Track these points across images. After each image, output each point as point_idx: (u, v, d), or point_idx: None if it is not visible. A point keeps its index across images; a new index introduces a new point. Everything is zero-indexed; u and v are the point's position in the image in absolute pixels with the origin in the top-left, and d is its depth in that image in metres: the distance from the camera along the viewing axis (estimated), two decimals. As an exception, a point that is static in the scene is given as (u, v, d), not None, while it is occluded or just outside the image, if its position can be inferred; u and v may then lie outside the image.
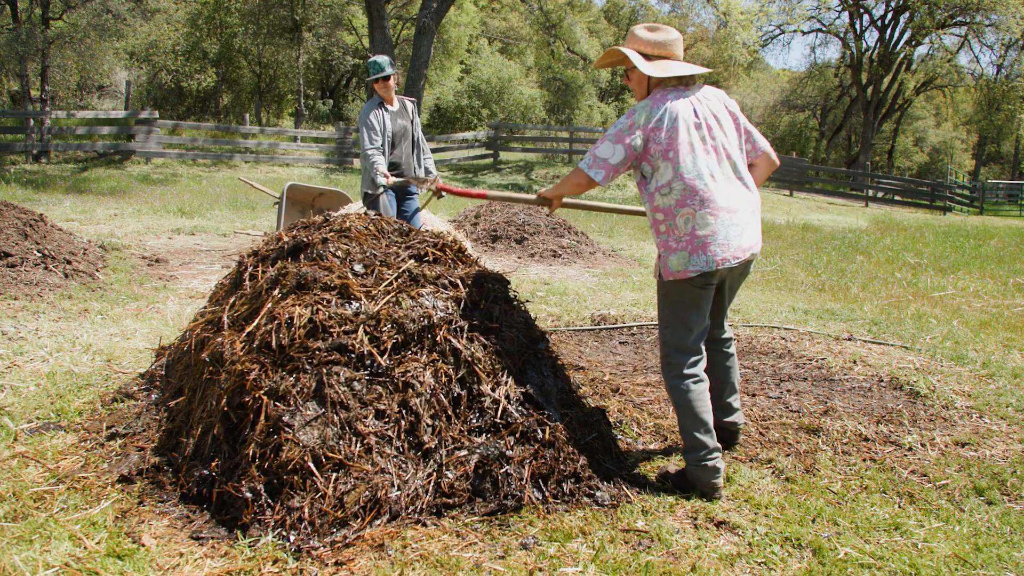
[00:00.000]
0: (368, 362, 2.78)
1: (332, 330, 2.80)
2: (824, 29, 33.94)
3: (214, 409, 2.80)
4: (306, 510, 2.48)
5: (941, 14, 29.38)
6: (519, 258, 9.02)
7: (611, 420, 3.54)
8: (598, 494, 2.83)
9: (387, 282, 2.99)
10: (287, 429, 2.58)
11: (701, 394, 2.93)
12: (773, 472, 3.22)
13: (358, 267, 3.05)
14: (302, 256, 3.16)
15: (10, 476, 2.81)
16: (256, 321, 2.89)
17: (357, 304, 2.89)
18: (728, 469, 3.16)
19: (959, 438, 3.67)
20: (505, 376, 2.91)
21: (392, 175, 5.84)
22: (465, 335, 2.94)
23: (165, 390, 3.45)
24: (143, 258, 7.63)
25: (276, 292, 2.97)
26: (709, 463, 2.88)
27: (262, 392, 2.67)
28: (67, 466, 2.92)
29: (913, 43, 31.77)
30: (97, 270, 6.55)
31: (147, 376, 3.67)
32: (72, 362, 4.11)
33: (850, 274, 9.07)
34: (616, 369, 4.67)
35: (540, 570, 2.38)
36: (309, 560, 2.36)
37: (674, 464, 3.22)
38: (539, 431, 2.84)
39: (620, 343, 5.34)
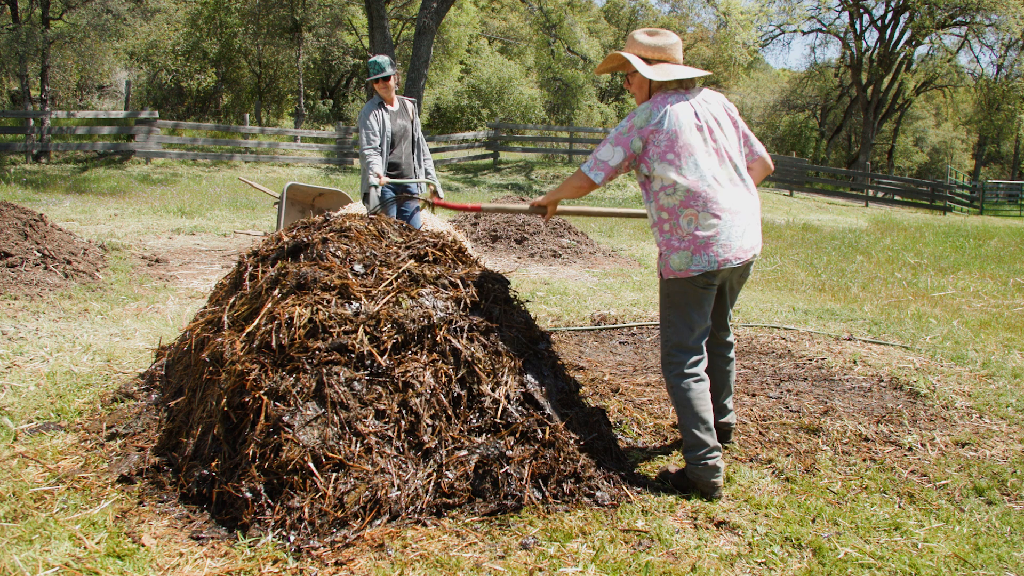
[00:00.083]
0: (368, 362, 2.78)
1: (332, 330, 2.80)
2: (824, 29, 33.94)
3: (214, 409, 2.80)
4: (306, 510, 2.48)
5: (941, 14, 29.38)
6: (519, 258, 9.02)
7: (611, 420, 3.54)
8: (598, 494, 2.83)
9: (387, 282, 2.99)
10: (287, 429, 2.58)
11: (702, 393, 2.94)
12: (773, 472, 3.22)
13: (358, 267, 3.05)
14: (302, 256, 3.16)
15: (10, 476, 2.81)
16: (256, 321, 2.89)
17: (357, 304, 2.89)
18: (728, 469, 3.16)
19: (959, 438, 3.67)
20: (505, 376, 2.91)
21: (392, 175, 5.84)
22: (465, 335, 2.94)
23: (165, 390, 3.45)
24: (143, 258, 7.63)
25: (276, 292, 2.97)
26: (709, 462, 2.89)
27: (262, 392, 2.67)
28: (67, 466, 2.92)
29: (913, 43, 31.78)
30: (97, 270, 6.55)
31: (147, 376, 3.67)
32: (72, 362, 4.11)
33: (850, 274, 9.07)
34: (616, 369, 4.67)
35: (540, 570, 2.38)
36: (309, 560, 2.36)
37: (674, 464, 3.22)
38: (539, 431, 2.84)
39: (620, 343, 5.34)
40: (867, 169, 29.54)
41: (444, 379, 2.82)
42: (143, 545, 2.41)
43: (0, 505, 2.60)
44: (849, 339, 5.55)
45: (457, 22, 29.06)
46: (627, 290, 7.26)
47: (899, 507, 2.95)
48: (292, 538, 2.43)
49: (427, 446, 2.70)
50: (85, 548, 2.37)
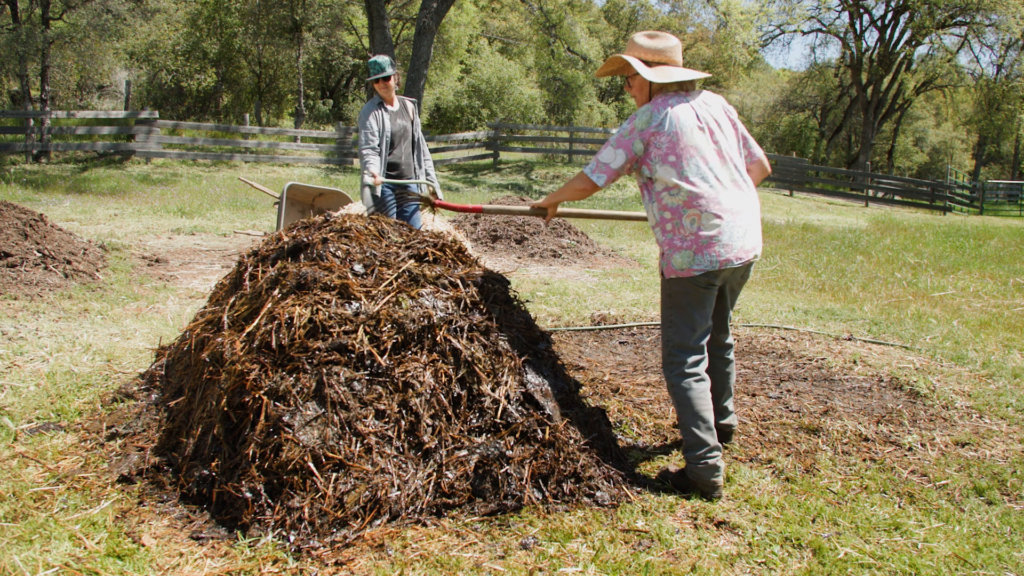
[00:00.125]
0: (368, 362, 2.78)
1: (332, 330, 2.80)
2: (824, 29, 33.94)
3: (214, 409, 2.80)
4: (306, 510, 2.48)
5: (941, 14, 29.37)
6: (519, 258, 9.02)
7: (611, 420, 3.54)
8: (598, 494, 2.83)
9: (387, 282, 2.99)
10: (287, 429, 2.58)
11: (702, 393, 2.95)
12: (773, 472, 3.22)
13: (358, 267, 3.05)
14: (302, 256, 3.16)
15: (10, 476, 2.81)
16: (256, 321, 2.89)
17: (357, 304, 2.89)
18: (728, 469, 3.16)
19: (959, 438, 3.67)
20: (505, 376, 2.91)
21: (391, 175, 5.84)
22: (465, 335, 2.94)
23: (165, 390, 3.45)
24: (143, 258, 7.63)
25: (276, 292, 2.97)
26: (710, 461, 2.89)
27: (262, 392, 2.67)
28: (67, 466, 2.92)
29: (913, 43, 31.77)
30: (97, 270, 6.55)
31: (147, 376, 3.67)
32: (72, 362, 4.11)
33: (850, 274, 9.07)
34: (616, 369, 4.67)
35: (540, 570, 2.38)
36: (309, 560, 2.36)
37: (674, 464, 3.22)
38: (539, 431, 2.84)
39: (620, 343, 5.34)
40: (867, 169, 29.54)
41: (444, 379, 2.82)
42: (143, 545, 2.41)
43: (0, 505, 2.60)
44: (849, 339, 5.55)
45: (457, 22, 29.06)
46: (627, 290, 7.26)
47: (899, 507, 2.95)
48: (292, 538, 2.43)
49: (427, 446, 2.70)
50: (85, 548, 2.37)
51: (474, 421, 2.81)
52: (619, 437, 3.42)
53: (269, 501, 2.52)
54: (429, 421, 2.75)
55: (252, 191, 12.94)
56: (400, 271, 3.05)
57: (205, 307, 3.60)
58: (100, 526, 2.50)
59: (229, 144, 19.39)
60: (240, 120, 22.17)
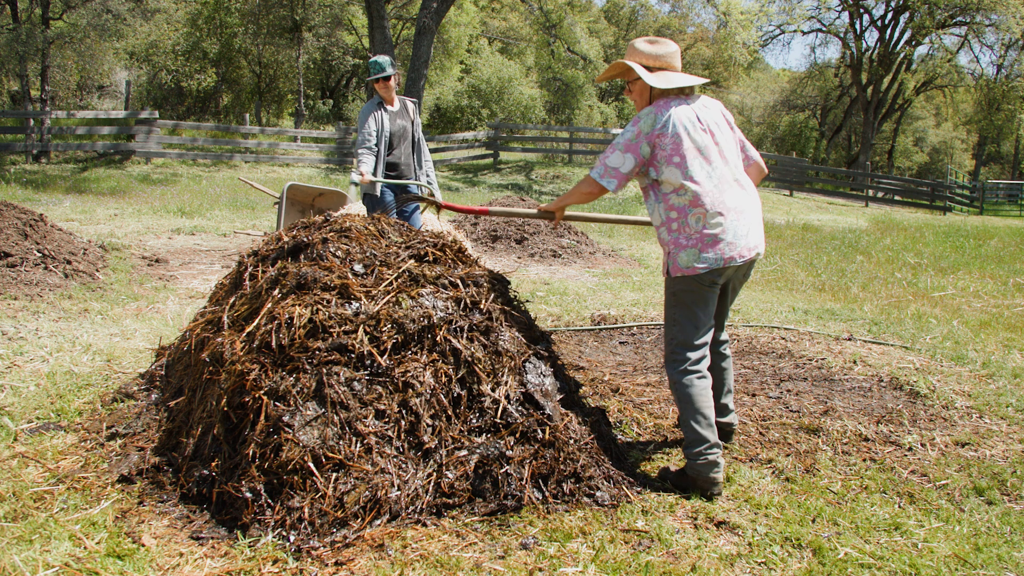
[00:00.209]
0: (368, 362, 2.78)
1: (332, 330, 2.80)
2: (824, 29, 33.94)
3: (214, 409, 2.80)
4: (306, 510, 2.48)
5: (941, 14, 29.37)
6: (519, 258, 9.02)
7: (611, 420, 3.54)
8: (598, 494, 2.83)
9: (387, 282, 2.99)
10: (287, 429, 2.58)
11: (704, 390, 2.99)
12: (773, 472, 3.22)
13: (358, 267, 3.05)
14: (302, 256, 3.16)
15: (10, 476, 2.81)
16: (256, 321, 2.89)
17: (357, 304, 2.89)
18: (728, 469, 3.16)
19: (959, 438, 3.67)
20: (505, 376, 2.91)
21: (391, 176, 5.84)
22: (465, 335, 2.94)
23: (165, 390, 3.45)
24: (143, 258, 7.63)
25: (276, 292, 2.97)
26: (710, 456, 2.92)
27: (262, 392, 2.67)
28: (67, 466, 2.92)
29: (913, 43, 31.77)
30: (97, 270, 6.55)
31: (147, 376, 3.67)
32: (72, 362, 4.11)
33: (850, 274, 9.07)
34: (616, 369, 4.67)
35: (540, 570, 2.38)
36: (309, 560, 2.36)
37: (674, 463, 3.22)
38: (539, 431, 2.84)
39: (620, 343, 5.34)
40: (867, 169, 29.54)
41: (444, 379, 2.82)
42: (143, 545, 2.41)
43: (0, 505, 2.60)
44: (849, 339, 5.55)
45: (457, 22, 29.05)
46: (627, 290, 7.26)
47: (899, 507, 2.95)
48: (292, 538, 2.43)
49: (427, 446, 2.70)
50: (85, 548, 2.37)
51: (474, 421, 2.81)
52: (619, 437, 3.42)
53: (269, 501, 2.52)
54: (429, 421, 2.75)
55: (252, 191, 12.94)
56: (400, 271, 3.05)
57: (205, 307, 3.60)
58: (100, 526, 2.50)
59: (229, 144, 19.39)
60: (240, 120, 22.16)
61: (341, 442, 2.61)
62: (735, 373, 4.57)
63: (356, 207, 6.49)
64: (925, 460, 3.42)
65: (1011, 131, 37.82)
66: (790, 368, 4.79)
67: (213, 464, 2.68)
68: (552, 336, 3.66)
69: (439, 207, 3.62)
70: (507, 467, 2.74)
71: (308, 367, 2.72)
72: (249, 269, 3.30)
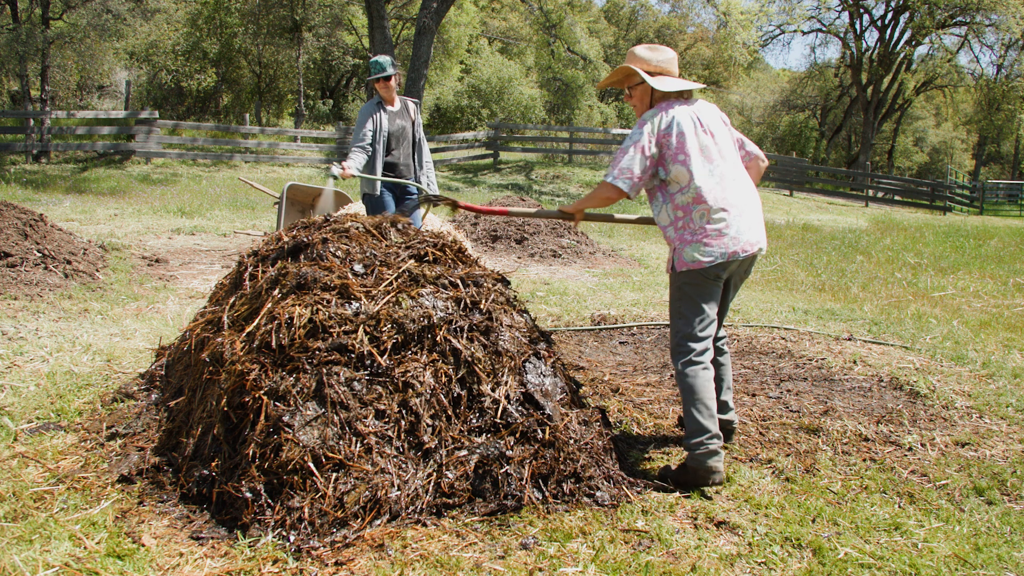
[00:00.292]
0: (368, 362, 2.78)
1: (332, 330, 2.80)
2: (824, 29, 33.94)
3: (214, 409, 2.80)
4: (306, 510, 2.48)
5: (941, 14, 29.37)
6: (519, 258, 9.02)
7: (611, 420, 3.54)
8: (598, 494, 2.83)
9: (387, 282, 2.99)
10: (287, 429, 2.58)
11: (707, 381, 3.07)
12: (773, 472, 3.22)
13: (358, 267, 3.05)
14: (302, 256, 3.16)
15: (10, 476, 2.81)
16: (256, 321, 2.89)
17: (357, 304, 2.89)
18: (728, 469, 3.16)
19: (959, 438, 3.67)
20: (505, 376, 2.91)
21: (391, 175, 5.83)
22: (465, 335, 2.94)
23: (165, 390, 3.45)
24: (143, 258, 7.63)
25: (276, 292, 2.97)
26: (711, 446, 2.96)
27: (262, 392, 2.67)
28: (67, 466, 2.92)
29: (913, 43, 31.77)
30: (97, 270, 6.55)
31: (147, 376, 3.67)
32: (72, 362, 4.11)
33: (850, 274, 9.07)
34: (616, 369, 4.67)
35: (540, 570, 2.38)
36: (309, 560, 2.36)
37: (675, 464, 3.23)
38: (539, 431, 2.84)
39: (620, 343, 5.34)
40: (867, 169, 29.54)
41: (444, 379, 2.82)
42: (143, 545, 2.41)
43: (0, 505, 2.60)
44: (849, 339, 5.55)
45: (457, 22, 29.05)
46: (627, 290, 7.26)
47: (899, 507, 2.95)
48: (292, 538, 2.43)
49: (427, 446, 2.70)
50: (85, 548, 2.37)
51: (474, 421, 2.81)
52: (619, 437, 3.42)
53: (269, 501, 2.52)
54: (429, 421, 2.75)
55: (252, 191, 12.94)
56: (400, 271, 3.05)
57: (205, 307, 3.60)
58: (100, 526, 2.50)
59: (229, 144, 19.39)
60: (240, 120, 22.16)
61: (341, 442, 2.61)
62: (735, 373, 4.57)
63: (328, 200, 6.47)
64: (925, 460, 3.42)
65: (1011, 131, 37.83)
66: (790, 368, 4.79)
67: (213, 464, 2.68)
68: (552, 336, 3.66)
69: (455, 207, 3.61)
70: (507, 467, 2.74)
71: (308, 367, 2.72)
72: (249, 269, 3.30)
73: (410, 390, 2.76)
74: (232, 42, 25.29)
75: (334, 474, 2.56)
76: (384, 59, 5.80)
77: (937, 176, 38.71)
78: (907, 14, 31.07)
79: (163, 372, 3.60)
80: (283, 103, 29.50)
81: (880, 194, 27.73)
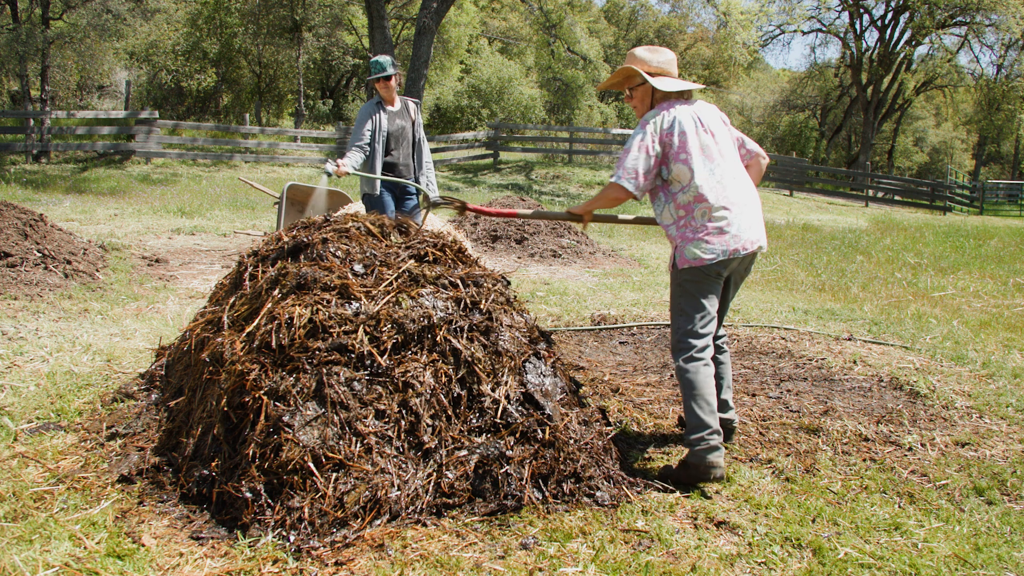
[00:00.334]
0: (368, 362, 2.78)
1: (332, 330, 2.80)
2: (824, 29, 33.93)
3: (214, 409, 2.80)
4: (306, 510, 2.48)
5: (941, 14, 29.36)
6: (519, 258, 9.02)
7: (611, 420, 3.54)
8: (598, 494, 2.83)
9: (387, 282, 2.99)
10: (287, 429, 2.58)
11: (708, 377, 3.10)
12: (773, 472, 3.22)
13: (358, 267, 3.05)
14: (302, 256, 3.16)
15: (10, 476, 2.81)
16: (256, 321, 2.89)
17: (357, 304, 2.89)
18: (728, 469, 3.16)
19: (959, 438, 3.67)
20: (505, 376, 2.91)
21: (391, 175, 5.83)
22: (465, 335, 2.94)
23: (165, 390, 3.45)
24: (143, 258, 7.63)
25: (276, 292, 2.97)
26: (712, 441, 2.98)
27: (262, 392, 2.67)
28: (67, 466, 2.92)
29: (913, 43, 31.77)
30: (97, 270, 6.55)
31: (147, 376, 3.67)
32: (72, 362, 4.11)
33: (850, 274, 9.07)
34: (616, 369, 4.67)
35: (540, 570, 2.38)
36: (309, 560, 2.36)
37: (676, 462, 3.23)
38: (539, 431, 2.84)
39: (620, 343, 5.34)
40: (867, 169, 29.54)
41: (444, 379, 2.82)
42: (143, 545, 2.41)
43: (0, 505, 2.60)
44: (849, 339, 5.55)
45: (457, 22, 29.05)
46: (627, 290, 7.26)
47: (899, 507, 2.95)
48: (292, 538, 2.43)
49: (427, 446, 2.70)
50: (85, 548, 2.37)
51: (474, 421, 2.81)
52: (619, 437, 3.42)
53: (269, 501, 2.52)
54: (429, 421, 2.75)
55: (252, 191, 12.94)
56: (400, 271, 3.05)
57: (205, 307, 3.60)
58: (100, 526, 2.50)
59: (229, 144, 19.39)
60: (240, 120, 22.16)
61: (341, 442, 2.61)
62: (735, 373, 4.57)
63: (321, 198, 6.45)
64: (925, 460, 3.42)
65: (1011, 131, 37.83)
66: (790, 368, 4.79)
67: (213, 464, 2.68)
68: (552, 336, 3.66)
69: (464, 210, 3.61)
70: (507, 467, 2.74)
71: (308, 367, 2.72)
72: (249, 269, 3.30)
73: (410, 390, 2.76)
74: (232, 42, 25.29)
75: (334, 474, 2.56)
76: (384, 59, 5.80)
77: (937, 176, 38.71)
78: (907, 14, 31.07)
79: (163, 372, 3.60)
80: (283, 103, 29.50)
81: (880, 194, 27.73)
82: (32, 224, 6.42)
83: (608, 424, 3.26)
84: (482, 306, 3.07)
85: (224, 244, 9.00)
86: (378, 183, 5.74)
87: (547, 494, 2.77)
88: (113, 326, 4.96)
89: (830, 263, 9.97)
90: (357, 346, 2.78)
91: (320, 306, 2.85)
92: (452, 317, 2.96)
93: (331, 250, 3.13)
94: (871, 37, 35.75)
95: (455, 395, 2.83)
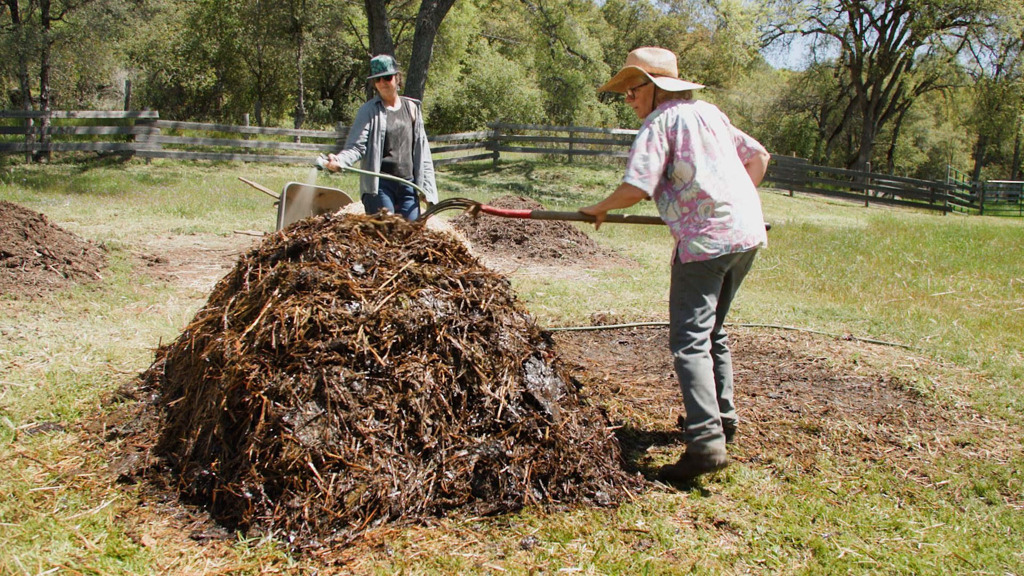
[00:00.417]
0: (368, 362, 2.78)
1: (332, 330, 2.80)
2: (824, 29, 33.93)
3: (214, 409, 2.80)
4: (306, 510, 2.48)
5: (941, 14, 29.37)
6: (519, 258, 9.02)
7: (611, 420, 3.54)
8: (598, 494, 2.83)
9: (387, 282, 2.99)
10: (287, 429, 2.58)
11: (707, 368, 3.13)
12: (773, 472, 3.22)
13: (358, 267, 3.05)
14: (302, 256, 3.16)
15: (10, 476, 2.81)
16: (256, 321, 2.89)
17: (357, 304, 2.89)
18: (728, 469, 3.16)
19: (959, 438, 3.67)
20: (505, 376, 2.91)
21: (391, 175, 5.83)
22: (465, 335, 2.94)
23: (165, 390, 3.45)
24: (143, 258, 7.63)
25: (276, 292, 2.97)
26: (713, 430, 3.00)
27: (262, 392, 2.67)
28: (67, 466, 2.92)
29: (913, 43, 31.77)
30: (97, 270, 6.55)
31: (147, 376, 3.67)
32: (72, 362, 4.11)
33: (850, 274, 9.07)
34: (616, 369, 4.67)
35: (540, 570, 2.38)
36: (309, 560, 2.36)
37: (676, 461, 3.23)
38: (539, 431, 2.84)
39: (620, 343, 5.34)
40: (867, 169, 29.54)
41: (444, 379, 2.82)
42: (143, 545, 2.41)
43: (0, 505, 2.60)
44: (849, 339, 5.55)
45: (457, 22, 29.05)
46: (627, 290, 7.26)
47: (899, 507, 2.95)
48: (292, 538, 2.43)
49: (427, 446, 2.70)
50: (85, 548, 2.37)
51: (474, 421, 2.81)
52: (619, 437, 3.42)
53: (269, 501, 2.52)
54: (429, 421, 2.75)
55: (252, 191, 12.94)
56: (400, 271, 3.05)
57: (205, 307, 3.60)
58: (100, 526, 2.50)
59: (229, 144, 19.38)
60: (240, 120, 22.15)
61: (341, 442, 2.61)
62: (735, 373, 4.57)
63: (309, 194, 6.44)
64: (925, 460, 3.42)
65: (1011, 131, 37.83)
66: (790, 368, 4.79)
67: (213, 464, 2.68)
68: (552, 336, 3.66)
69: (477, 210, 3.60)
70: (507, 467, 2.74)
71: (308, 367, 2.72)
72: (249, 269, 3.30)
73: (410, 390, 2.76)
74: (232, 42, 25.28)
75: (334, 474, 2.56)
76: (385, 59, 5.80)
77: (937, 176, 38.71)
78: (907, 14, 31.07)
79: (163, 372, 3.60)
80: (283, 103, 29.50)
81: (880, 194, 27.73)
82: (32, 224, 6.42)
83: (608, 424, 3.26)
84: (482, 306, 3.07)
85: (224, 244, 9.00)
86: (376, 183, 5.73)
87: (547, 494, 2.77)
88: (113, 326, 4.97)
89: (830, 263, 9.97)
90: (357, 346, 2.78)
91: (320, 306, 2.85)
92: (452, 317, 2.96)
93: (331, 250, 3.13)
94: (871, 37, 35.78)
95: (455, 395, 2.83)
